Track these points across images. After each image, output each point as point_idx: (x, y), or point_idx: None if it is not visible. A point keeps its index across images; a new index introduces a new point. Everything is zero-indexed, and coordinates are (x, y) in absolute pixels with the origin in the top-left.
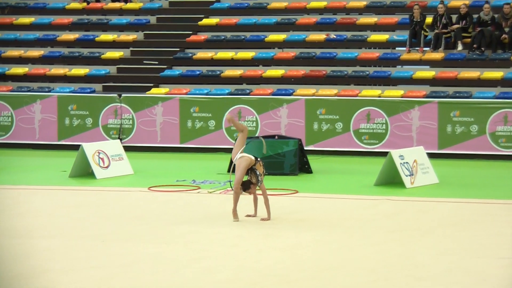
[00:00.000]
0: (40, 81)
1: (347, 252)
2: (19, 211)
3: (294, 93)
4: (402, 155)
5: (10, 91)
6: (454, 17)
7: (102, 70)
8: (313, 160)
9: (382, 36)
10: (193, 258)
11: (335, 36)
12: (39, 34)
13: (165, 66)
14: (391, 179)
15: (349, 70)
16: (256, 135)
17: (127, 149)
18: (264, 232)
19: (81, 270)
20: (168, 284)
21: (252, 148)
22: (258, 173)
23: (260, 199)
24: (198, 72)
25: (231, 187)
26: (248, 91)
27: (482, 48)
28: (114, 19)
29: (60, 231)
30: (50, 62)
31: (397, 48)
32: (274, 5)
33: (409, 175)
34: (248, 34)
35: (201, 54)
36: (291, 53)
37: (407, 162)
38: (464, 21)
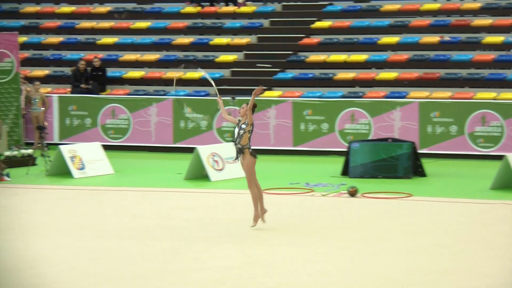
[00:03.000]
0: (156, 84)
1: (465, 257)
2: (136, 212)
3: (407, 96)
4: None
5: (127, 94)
6: None
7: (216, 73)
8: (426, 163)
9: (498, 38)
10: (307, 261)
11: (449, 38)
12: (155, 38)
13: (278, 69)
14: (507, 183)
15: (463, 72)
16: (367, 138)
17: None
18: (378, 235)
19: (193, 271)
20: (281, 286)
21: (365, 151)
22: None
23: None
24: (310, 75)
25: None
26: (361, 94)
27: None
28: (228, 23)
29: (175, 233)
30: (165, 66)
31: None
32: (387, 7)
33: None
34: (361, 37)
35: (314, 57)
36: (404, 55)
37: None
38: None
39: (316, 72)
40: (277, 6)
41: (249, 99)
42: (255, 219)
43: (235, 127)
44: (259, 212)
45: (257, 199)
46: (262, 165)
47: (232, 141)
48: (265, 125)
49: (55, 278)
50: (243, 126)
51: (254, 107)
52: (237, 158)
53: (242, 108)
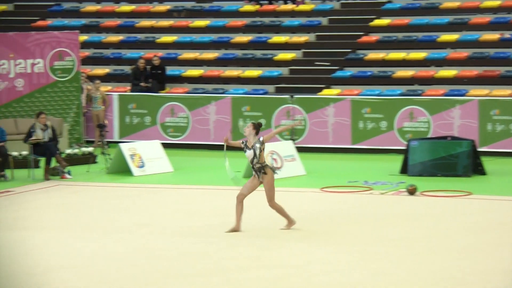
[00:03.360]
0: (214, 82)
1: None
2: (196, 210)
3: (467, 94)
4: None
5: (186, 92)
6: None
7: (275, 71)
8: (486, 162)
9: None
10: (364, 260)
11: (509, 36)
12: (213, 36)
13: (336, 67)
14: None
15: None
16: (426, 136)
17: (300, 149)
18: (437, 233)
19: (254, 269)
20: (341, 285)
21: (424, 149)
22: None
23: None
24: (369, 73)
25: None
26: (420, 91)
27: None
28: (286, 21)
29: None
30: (224, 64)
31: None
32: (446, 4)
33: None
34: (420, 35)
35: (373, 55)
36: (463, 53)
37: None
38: None
39: (375, 70)
40: (335, 4)
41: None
42: (290, 223)
43: (244, 150)
44: (289, 222)
45: (283, 209)
46: (321, 163)
47: (250, 163)
48: (324, 123)
49: (115, 275)
50: (257, 145)
51: (259, 127)
52: (259, 176)
53: (248, 127)
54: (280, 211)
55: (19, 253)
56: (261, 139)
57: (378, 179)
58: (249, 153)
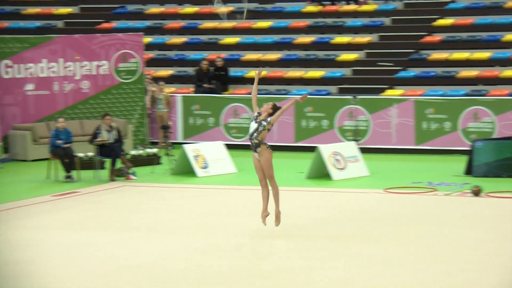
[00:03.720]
0: (277, 83)
1: None
2: (258, 212)
3: None
4: None
5: (249, 94)
6: None
7: (338, 72)
8: None
9: None
10: (429, 261)
11: None
12: (276, 37)
13: (399, 68)
14: None
15: None
16: (491, 137)
17: (363, 150)
18: (503, 235)
19: (320, 270)
20: (405, 286)
21: (489, 150)
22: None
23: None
24: (433, 73)
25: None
26: (484, 92)
27: None
28: (349, 21)
29: (299, 231)
30: (287, 65)
31: None
32: (510, 4)
33: None
34: (484, 34)
35: (436, 55)
36: None
37: None
38: None
39: (439, 70)
40: (398, 4)
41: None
42: (277, 218)
43: (251, 120)
44: (275, 212)
45: (268, 197)
46: (384, 164)
47: (249, 135)
48: (387, 124)
49: (181, 275)
50: (264, 123)
51: (277, 109)
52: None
53: (267, 104)
54: (267, 197)
55: (86, 253)
56: (269, 119)
57: (442, 180)
58: (253, 126)
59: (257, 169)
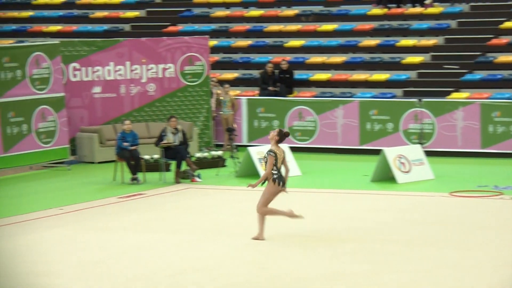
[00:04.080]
0: (342, 86)
1: None
2: (324, 214)
3: None
4: None
5: (313, 96)
6: None
7: (403, 75)
8: None
9: None
10: (496, 265)
11: None
12: (341, 40)
13: (465, 71)
14: None
15: None
16: None
17: (428, 153)
18: None
19: (385, 273)
20: None
21: None
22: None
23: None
24: (499, 76)
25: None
26: None
27: None
28: (415, 24)
29: (364, 234)
30: (351, 68)
31: None
32: None
33: None
34: None
35: (503, 57)
36: None
37: None
38: None
39: (505, 73)
40: (465, 7)
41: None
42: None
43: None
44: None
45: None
46: (449, 167)
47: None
48: (452, 127)
49: (246, 277)
50: (266, 154)
51: (283, 136)
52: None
53: (273, 131)
54: (263, 219)
55: (151, 255)
56: (271, 150)
57: (508, 184)
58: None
59: (274, 195)
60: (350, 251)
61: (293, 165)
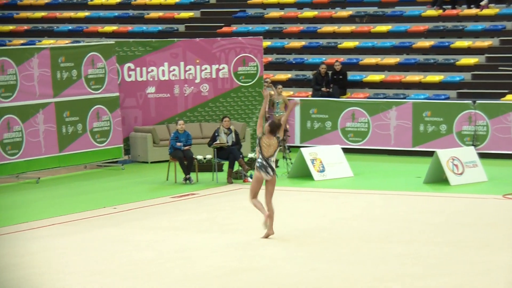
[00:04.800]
0: (395, 88)
1: None
2: (375, 215)
3: None
4: None
5: (366, 98)
6: None
7: (457, 76)
8: None
9: None
10: None
11: None
12: (395, 41)
13: None
14: None
15: None
16: None
17: (481, 155)
18: None
19: (435, 276)
20: None
21: None
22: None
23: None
24: None
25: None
26: None
27: None
28: (470, 26)
29: (416, 236)
30: (405, 69)
31: None
32: None
33: None
34: None
35: None
36: None
37: None
38: None
39: None
40: None
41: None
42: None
43: (258, 140)
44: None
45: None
46: (503, 169)
47: (266, 156)
48: (507, 129)
49: (297, 278)
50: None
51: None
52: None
53: (268, 125)
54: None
55: (202, 255)
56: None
57: None
58: (273, 143)
59: (258, 183)
60: (402, 253)
61: (345, 166)
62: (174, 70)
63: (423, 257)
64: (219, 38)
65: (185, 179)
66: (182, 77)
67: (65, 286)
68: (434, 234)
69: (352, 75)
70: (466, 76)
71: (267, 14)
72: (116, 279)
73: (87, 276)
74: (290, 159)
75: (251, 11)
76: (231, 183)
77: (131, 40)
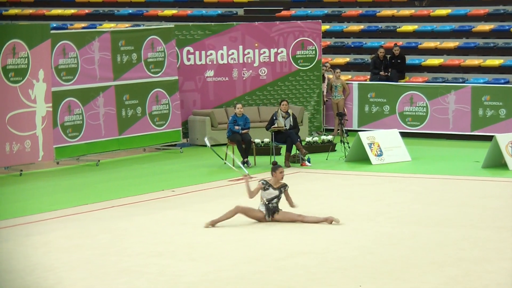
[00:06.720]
0: (454, 72)
1: None
2: (433, 200)
3: None
4: None
5: (425, 82)
6: None
7: None
8: None
9: None
10: None
11: None
12: (455, 25)
13: None
14: None
15: None
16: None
17: None
18: None
19: (494, 260)
20: None
21: None
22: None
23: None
24: None
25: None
26: None
27: None
28: None
29: (474, 221)
30: (464, 53)
31: None
32: None
33: None
34: None
35: None
36: None
37: None
38: None
39: None
40: None
41: None
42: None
43: (266, 189)
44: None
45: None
46: None
47: (267, 200)
48: None
49: (353, 262)
50: (282, 189)
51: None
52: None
53: (281, 173)
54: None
55: (259, 238)
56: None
57: None
58: (272, 192)
59: (249, 212)
60: (460, 238)
61: (403, 151)
62: (232, 53)
63: (482, 241)
64: (277, 22)
65: (243, 163)
66: (241, 61)
67: (125, 268)
68: (493, 219)
69: (410, 59)
70: None
71: None
72: (175, 261)
73: (145, 258)
74: (348, 143)
75: None
76: (289, 166)
77: (190, 23)
